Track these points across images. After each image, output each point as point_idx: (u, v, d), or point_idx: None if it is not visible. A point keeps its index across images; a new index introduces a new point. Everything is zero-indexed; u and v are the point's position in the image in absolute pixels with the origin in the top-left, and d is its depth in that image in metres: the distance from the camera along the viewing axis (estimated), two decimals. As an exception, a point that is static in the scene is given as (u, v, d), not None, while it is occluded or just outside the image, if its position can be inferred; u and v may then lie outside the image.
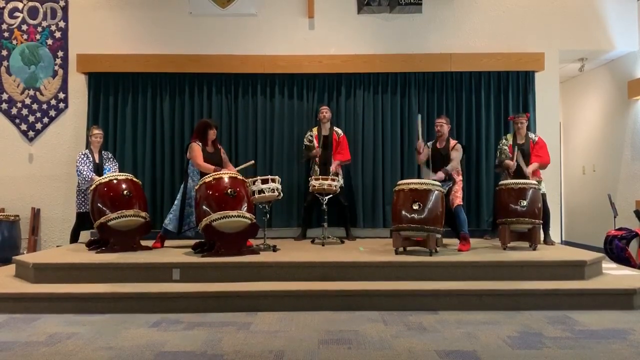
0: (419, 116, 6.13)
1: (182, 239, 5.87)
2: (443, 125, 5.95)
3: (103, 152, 6.39)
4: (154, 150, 7.08)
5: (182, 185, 5.80)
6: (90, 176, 6.01)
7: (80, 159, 6.15)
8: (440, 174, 5.68)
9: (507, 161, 6.07)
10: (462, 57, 7.05)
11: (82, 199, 6.12)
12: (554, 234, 6.62)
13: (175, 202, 5.79)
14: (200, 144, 5.67)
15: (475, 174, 7.05)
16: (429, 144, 6.08)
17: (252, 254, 5.13)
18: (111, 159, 6.44)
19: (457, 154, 5.83)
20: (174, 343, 3.51)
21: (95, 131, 6.35)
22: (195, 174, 5.66)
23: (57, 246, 6.78)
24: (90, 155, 6.23)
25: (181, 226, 5.66)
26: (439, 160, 5.85)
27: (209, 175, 5.22)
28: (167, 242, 5.91)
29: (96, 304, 4.32)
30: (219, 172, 5.29)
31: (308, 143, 6.61)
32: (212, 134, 5.74)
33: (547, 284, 4.54)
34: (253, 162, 6.10)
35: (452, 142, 5.95)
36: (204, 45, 7.09)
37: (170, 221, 5.72)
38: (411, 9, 7.12)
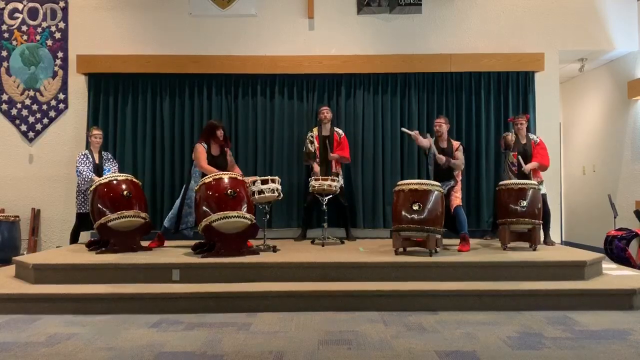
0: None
1: (181, 239, 5.87)
2: (442, 125, 5.97)
3: (103, 152, 6.40)
4: (153, 150, 7.08)
5: (184, 185, 5.81)
6: (90, 177, 6.01)
7: (80, 160, 6.15)
8: (442, 158, 5.71)
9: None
10: (462, 58, 7.05)
11: (82, 200, 6.13)
12: (554, 234, 6.62)
13: (177, 201, 5.80)
14: (205, 145, 5.67)
15: (475, 175, 7.05)
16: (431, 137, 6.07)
17: (252, 255, 5.12)
18: (111, 160, 6.45)
19: (461, 155, 5.90)
20: (173, 343, 3.51)
21: (95, 131, 6.35)
22: (197, 175, 5.66)
23: (57, 247, 6.78)
24: (90, 156, 6.23)
25: (178, 225, 5.66)
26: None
27: (208, 176, 5.22)
28: (167, 243, 5.91)
29: (96, 305, 4.32)
30: (218, 173, 5.28)
31: (309, 147, 6.56)
32: (220, 134, 5.73)
33: (547, 284, 4.54)
34: (257, 178, 5.61)
35: (455, 143, 5.98)
36: (204, 46, 7.09)
37: (168, 219, 5.75)
38: (411, 9, 7.13)
